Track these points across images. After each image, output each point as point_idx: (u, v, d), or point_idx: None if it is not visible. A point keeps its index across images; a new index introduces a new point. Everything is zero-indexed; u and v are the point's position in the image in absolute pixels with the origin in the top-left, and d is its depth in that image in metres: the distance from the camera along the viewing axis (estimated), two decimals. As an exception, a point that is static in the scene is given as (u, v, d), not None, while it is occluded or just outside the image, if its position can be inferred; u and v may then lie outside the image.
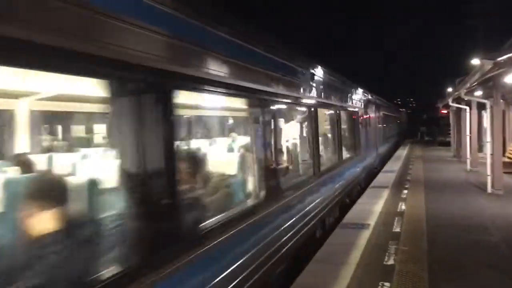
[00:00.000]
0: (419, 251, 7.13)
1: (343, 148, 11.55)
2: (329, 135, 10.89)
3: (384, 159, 22.81)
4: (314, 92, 8.54)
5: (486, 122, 14.37)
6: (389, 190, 13.27)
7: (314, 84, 8.59)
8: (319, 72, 9.03)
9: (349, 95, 13.00)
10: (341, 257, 6.87)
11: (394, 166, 20.54)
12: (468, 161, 18.34)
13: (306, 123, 8.94)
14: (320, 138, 9.13)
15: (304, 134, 9.21)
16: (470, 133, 18.64)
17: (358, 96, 14.88)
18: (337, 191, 10.14)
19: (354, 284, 5.78)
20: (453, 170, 18.77)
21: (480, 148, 19.78)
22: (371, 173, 17.02)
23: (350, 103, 12.98)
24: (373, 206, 10.79)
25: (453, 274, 6.18)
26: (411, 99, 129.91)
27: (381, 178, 16.42)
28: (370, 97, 18.13)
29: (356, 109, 14.00)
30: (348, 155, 12.17)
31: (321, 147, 9.35)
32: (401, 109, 64.02)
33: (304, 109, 8.86)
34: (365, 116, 15.81)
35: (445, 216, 9.72)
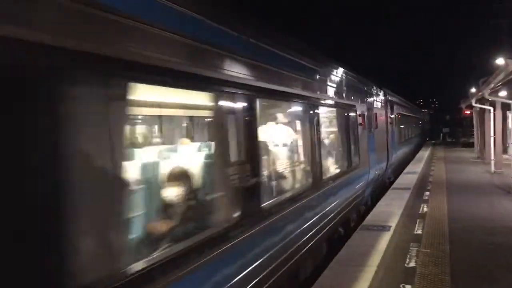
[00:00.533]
0: (441, 254, 7.05)
1: (328, 160, 8.48)
2: (292, 143, 7.14)
3: (402, 165, 20.32)
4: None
5: (511, 123, 14.11)
6: (411, 192, 13.11)
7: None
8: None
9: (339, 85, 9.00)
10: (362, 259, 6.82)
11: (415, 167, 20.29)
12: (492, 163, 18.00)
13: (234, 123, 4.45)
14: (265, 150, 5.81)
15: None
16: (494, 134, 18.32)
17: (359, 90, 11.30)
18: (317, 226, 6.78)
19: (375, 286, 5.75)
20: (477, 172, 18.43)
21: (505, 150, 19.39)
22: (383, 185, 14.52)
23: (340, 97, 9.08)
24: (394, 208, 10.66)
25: (476, 277, 6.08)
26: (434, 100, 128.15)
27: (402, 179, 16.24)
28: (378, 92, 14.41)
29: (354, 107, 10.17)
30: (337, 170, 8.66)
31: (271, 166, 6.11)
32: (423, 110, 63.21)
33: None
34: (370, 116, 12.23)
35: (468, 219, 9.56)
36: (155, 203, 4.17)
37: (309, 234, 6.35)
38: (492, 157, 18.12)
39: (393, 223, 9.15)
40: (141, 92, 3.28)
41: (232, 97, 4.41)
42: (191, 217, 4.12)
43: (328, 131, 9.02)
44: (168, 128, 6.57)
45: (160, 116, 6.20)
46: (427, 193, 12.92)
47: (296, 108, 7.20)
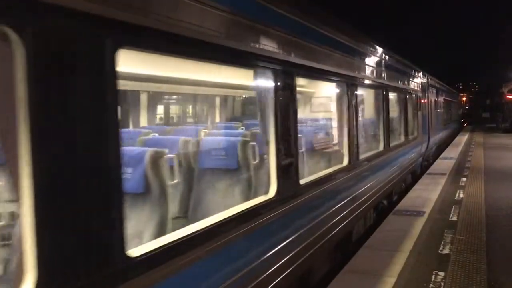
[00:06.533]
0: (477, 242, 6.85)
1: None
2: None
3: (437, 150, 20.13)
4: None
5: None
6: (447, 178, 12.81)
7: None
8: None
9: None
10: (394, 244, 6.74)
11: (452, 153, 19.79)
12: (535, 150, 17.33)
13: None
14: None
15: None
16: (538, 119, 17.57)
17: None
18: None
19: (407, 272, 5.67)
20: (518, 158, 17.79)
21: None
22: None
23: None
24: (429, 193, 10.47)
25: (513, 266, 5.90)
26: (474, 83, 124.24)
27: (438, 165, 15.88)
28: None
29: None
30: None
31: None
32: (461, 94, 61.34)
33: None
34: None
35: (507, 206, 9.24)
36: None
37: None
38: (535, 144, 17.43)
39: (427, 208, 8.98)
40: None
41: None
42: None
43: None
44: None
45: None
46: (464, 179, 12.58)
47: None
